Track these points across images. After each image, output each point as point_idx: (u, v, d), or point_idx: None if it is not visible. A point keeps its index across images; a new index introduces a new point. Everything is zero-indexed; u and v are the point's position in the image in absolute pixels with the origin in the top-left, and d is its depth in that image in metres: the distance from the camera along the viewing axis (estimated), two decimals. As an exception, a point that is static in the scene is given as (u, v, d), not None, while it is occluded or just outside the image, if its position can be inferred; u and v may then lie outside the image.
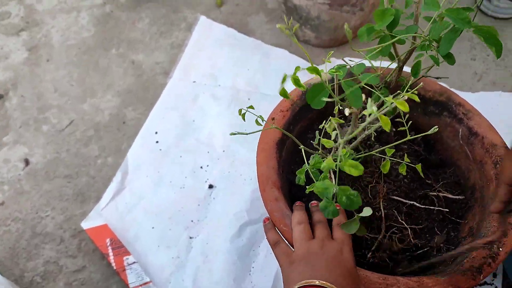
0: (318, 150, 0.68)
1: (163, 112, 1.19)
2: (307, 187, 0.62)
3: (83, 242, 1.00)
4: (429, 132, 0.61)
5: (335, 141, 0.48)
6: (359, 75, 0.54)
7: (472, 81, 1.25)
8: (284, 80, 0.49)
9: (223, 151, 1.10)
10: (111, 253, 0.94)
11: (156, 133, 1.14)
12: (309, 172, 0.62)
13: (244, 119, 0.61)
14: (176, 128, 1.15)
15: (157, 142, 1.13)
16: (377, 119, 0.63)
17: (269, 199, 0.68)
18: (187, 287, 0.91)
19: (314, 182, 0.66)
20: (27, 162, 1.12)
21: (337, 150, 0.61)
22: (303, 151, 0.64)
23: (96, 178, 1.09)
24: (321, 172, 0.60)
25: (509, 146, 0.72)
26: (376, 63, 0.79)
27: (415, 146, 0.82)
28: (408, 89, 0.60)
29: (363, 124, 0.47)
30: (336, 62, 1.25)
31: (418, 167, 0.66)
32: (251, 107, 0.60)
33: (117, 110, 1.22)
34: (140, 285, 0.90)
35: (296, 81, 0.47)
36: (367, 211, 0.50)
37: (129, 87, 1.27)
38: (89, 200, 1.06)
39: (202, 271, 0.93)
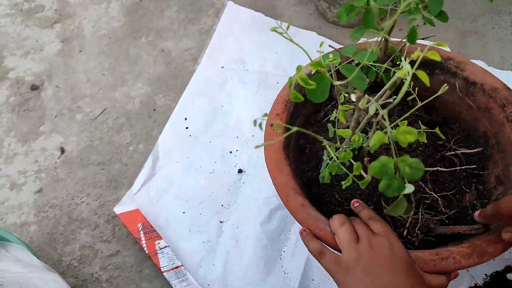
0: (334, 142, 0.66)
1: (192, 98, 1.19)
2: (342, 182, 0.59)
3: (116, 228, 1.02)
4: (439, 93, 0.58)
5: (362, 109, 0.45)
6: (352, 56, 0.52)
7: (514, 57, 1.18)
8: (299, 68, 0.47)
9: (252, 135, 1.09)
10: (143, 238, 0.95)
11: (185, 119, 1.15)
12: (328, 169, 0.60)
13: (261, 128, 0.51)
14: (205, 113, 1.15)
15: (186, 128, 1.13)
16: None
17: (295, 207, 0.66)
18: (218, 271, 0.91)
19: (338, 177, 0.65)
20: (62, 150, 1.15)
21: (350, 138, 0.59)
22: (327, 147, 0.61)
23: (128, 165, 1.11)
24: (348, 166, 0.58)
25: None
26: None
27: (416, 111, 0.80)
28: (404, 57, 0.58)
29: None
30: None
31: (437, 130, 0.66)
32: (266, 115, 0.53)
33: (147, 98, 1.23)
34: (172, 269, 0.91)
35: (304, 80, 0.45)
36: (409, 188, 0.48)
37: (159, 74, 1.28)
38: (122, 186, 1.08)
39: (233, 255, 0.93)
